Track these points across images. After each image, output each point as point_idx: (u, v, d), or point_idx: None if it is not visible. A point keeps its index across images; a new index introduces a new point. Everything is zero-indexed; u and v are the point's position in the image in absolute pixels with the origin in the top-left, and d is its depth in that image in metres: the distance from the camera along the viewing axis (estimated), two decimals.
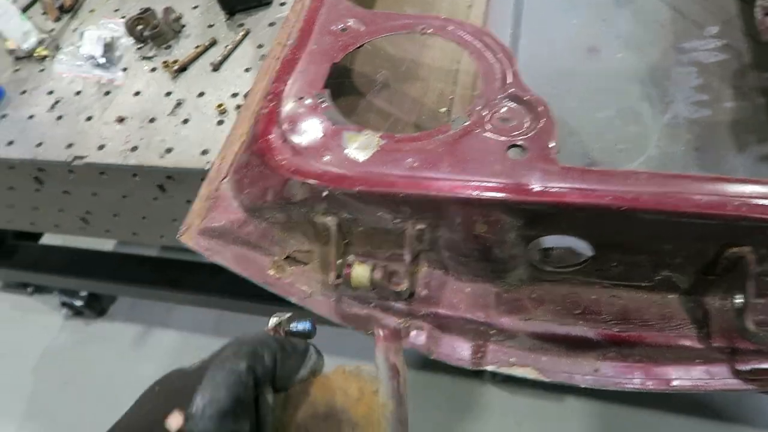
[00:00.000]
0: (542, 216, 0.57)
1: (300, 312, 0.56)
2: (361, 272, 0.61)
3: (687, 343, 0.59)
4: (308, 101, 0.67)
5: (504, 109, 0.64)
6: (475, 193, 0.56)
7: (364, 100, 0.88)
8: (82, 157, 0.99)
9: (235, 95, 1.02)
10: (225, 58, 1.07)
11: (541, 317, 0.65)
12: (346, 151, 0.62)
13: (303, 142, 0.63)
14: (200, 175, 0.94)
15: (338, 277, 0.64)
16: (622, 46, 0.90)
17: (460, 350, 0.66)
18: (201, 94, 1.04)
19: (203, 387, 0.34)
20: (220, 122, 0.98)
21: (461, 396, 1.47)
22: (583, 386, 0.63)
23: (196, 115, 1.01)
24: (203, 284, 1.56)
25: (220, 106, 0.99)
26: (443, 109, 0.89)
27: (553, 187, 0.56)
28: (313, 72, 0.70)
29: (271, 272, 0.67)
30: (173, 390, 0.36)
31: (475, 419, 1.44)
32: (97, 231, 1.23)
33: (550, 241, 0.62)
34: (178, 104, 1.03)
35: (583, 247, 0.65)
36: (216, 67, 1.07)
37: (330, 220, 0.63)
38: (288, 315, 0.46)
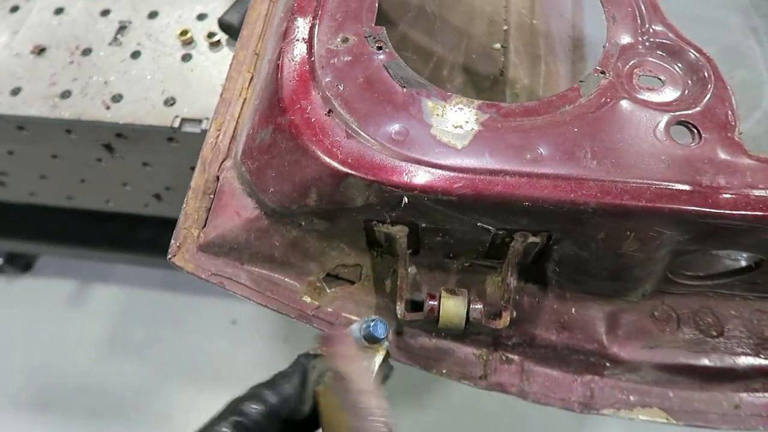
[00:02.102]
0: (725, 231, 0.40)
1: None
2: (453, 309, 0.43)
3: None
4: (356, 45, 0.45)
5: (649, 63, 0.44)
6: (640, 204, 0.38)
7: (398, 33, 0.64)
8: None
9: (202, 17, 0.75)
10: None
11: (669, 344, 0.50)
12: (432, 132, 0.41)
13: (360, 117, 0.41)
14: (166, 134, 0.69)
15: (414, 308, 0.45)
16: None
17: (562, 389, 0.50)
18: (153, 15, 0.76)
19: None
20: (187, 57, 0.72)
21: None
22: (722, 429, 0.49)
23: (150, 46, 0.73)
24: (151, 241, 1.31)
25: (184, 33, 0.72)
26: (497, 45, 0.68)
27: (747, 190, 0.38)
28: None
29: (307, 299, 0.47)
30: None
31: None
32: (17, 193, 0.95)
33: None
34: (122, 29, 0.75)
35: (733, 258, 0.50)
36: None
37: (398, 231, 0.43)
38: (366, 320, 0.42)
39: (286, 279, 0.47)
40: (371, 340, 0.41)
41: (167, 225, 1.22)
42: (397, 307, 0.44)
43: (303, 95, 0.43)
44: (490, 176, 0.39)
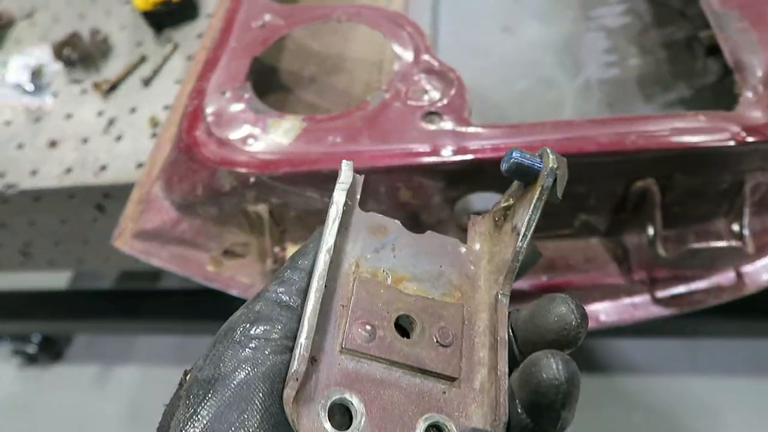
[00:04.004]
0: (461, 175, 0.59)
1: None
2: None
3: (611, 280, 0.62)
4: (230, 94, 0.69)
5: (419, 82, 0.67)
6: (395, 161, 0.58)
7: (293, 96, 0.89)
8: (14, 185, 0.97)
9: (166, 107, 1.02)
10: (155, 72, 1.07)
11: None
12: (270, 136, 0.63)
13: (227, 133, 0.64)
14: None
15: (275, 262, 0.65)
16: (535, 21, 0.94)
17: None
18: (133, 110, 1.04)
19: None
20: (154, 135, 0.98)
21: None
22: None
23: (130, 131, 1.00)
24: (161, 309, 1.54)
25: (152, 120, 0.99)
26: (370, 97, 0.92)
27: (466, 145, 0.58)
28: (235, 67, 0.72)
29: (210, 268, 0.68)
30: None
31: None
32: (39, 263, 1.20)
33: (477, 201, 0.64)
34: (111, 122, 1.03)
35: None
36: (147, 82, 1.06)
37: (262, 208, 0.64)
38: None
39: (194, 254, 0.68)
40: (524, 174, 0.33)
41: (170, 293, 1.48)
42: (266, 264, 0.64)
43: (194, 127, 0.66)
44: (303, 156, 0.60)
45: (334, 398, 0.28)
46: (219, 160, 0.62)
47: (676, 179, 0.54)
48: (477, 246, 0.37)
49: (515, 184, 0.35)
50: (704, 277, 0.58)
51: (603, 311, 0.62)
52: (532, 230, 0.33)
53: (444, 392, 0.30)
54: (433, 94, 0.65)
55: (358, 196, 0.37)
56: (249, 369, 0.29)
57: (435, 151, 0.58)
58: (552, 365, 0.27)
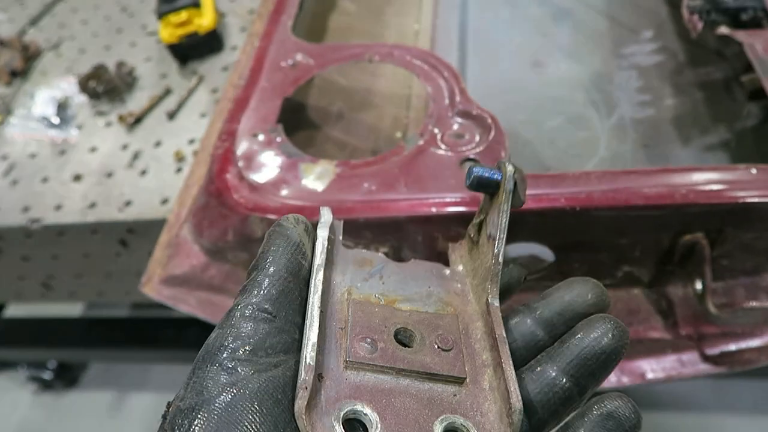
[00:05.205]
0: None
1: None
2: None
3: (656, 334, 0.60)
4: (262, 137, 0.68)
5: (455, 126, 0.65)
6: (433, 210, 0.57)
7: (321, 133, 0.88)
8: (38, 220, 0.97)
9: (192, 141, 1.02)
10: (180, 105, 1.07)
11: None
12: (303, 182, 0.62)
13: (259, 178, 0.63)
14: (161, 225, 0.92)
15: None
16: (565, 58, 0.93)
17: None
18: (158, 144, 1.03)
19: None
20: (179, 170, 0.98)
21: None
22: None
23: (154, 165, 1.00)
24: (177, 338, 1.53)
25: (178, 154, 0.99)
26: (399, 134, 0.91)
27: None
28: (266, 108, 0.71)
29: None
30: None
31: None
32: (60, 295, 1.19)
33: (513, 249, 0.62)
34: (136, 156, 1.02)
35: (544, 252, 0.66)
36: (172, 115, 1.06)
37: None
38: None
39: (223, 300, 0.67)
40: (486, 186, 0.39)
41: (185, 323, 1.46)
42: None
43: (225, 171, 0.65)
44: (338, 204, 0.59)
45: (346, 410, 0.29)
46: (252, 207, 0.61)
47: (726, 233, 0.52)
48: (459, 267, 0.40)
49: (484, 199, 0.40)
50: (756, 335, 0.55)
51: (649, 368, 0.59)
52: (505, 233, 0.36)
53: (455, 394, 0.31)
54: (469, 139, 0.64)
55: (341, 237, 0.40)
56: (234, 391, 0.28)
57: (474, 200, 0.57)
58: (605, 326, 0.32)
